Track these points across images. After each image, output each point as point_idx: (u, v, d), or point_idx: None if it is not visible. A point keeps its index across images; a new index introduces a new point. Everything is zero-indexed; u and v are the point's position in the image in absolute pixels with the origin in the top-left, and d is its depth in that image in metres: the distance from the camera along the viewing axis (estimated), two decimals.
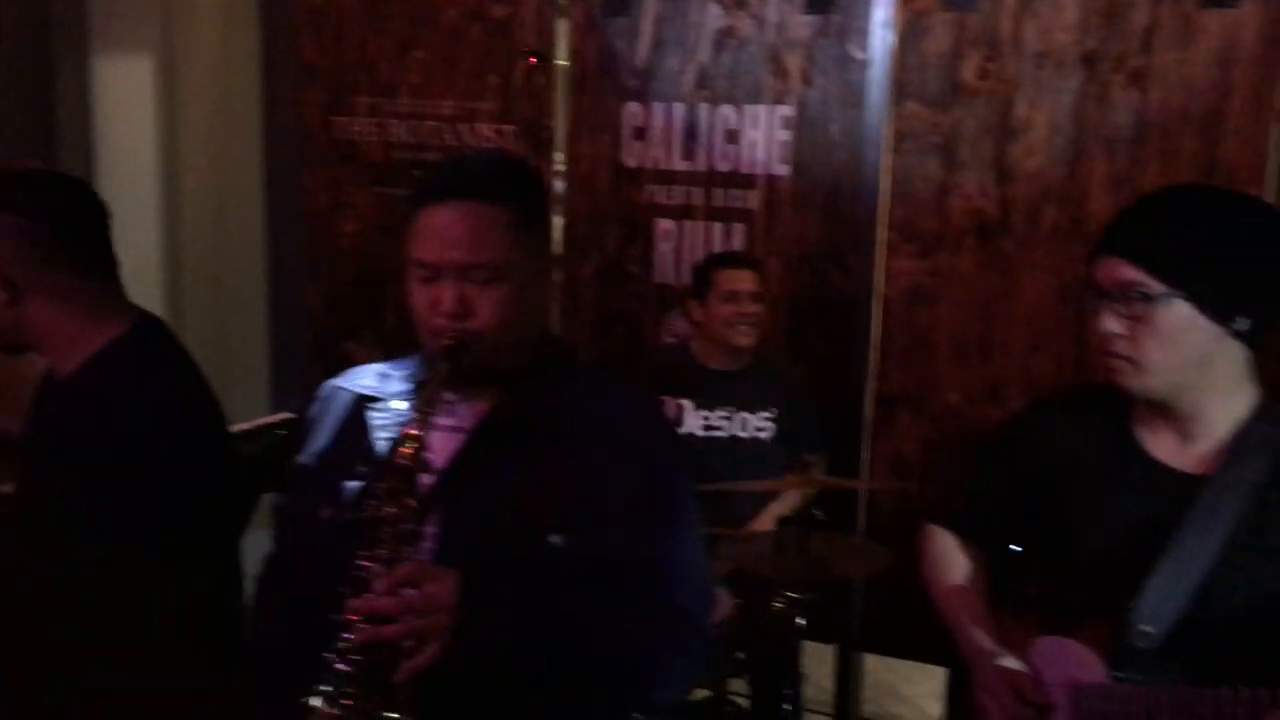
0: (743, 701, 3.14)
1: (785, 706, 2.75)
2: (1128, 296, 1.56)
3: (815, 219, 3.46)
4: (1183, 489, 1.61)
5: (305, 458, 1.62)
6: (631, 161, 3.63)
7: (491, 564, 1.41)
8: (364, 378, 1.65)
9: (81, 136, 3.81)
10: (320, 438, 1.62)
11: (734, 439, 3.20)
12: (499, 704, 1.44)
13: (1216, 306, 1.55)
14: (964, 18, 3.20)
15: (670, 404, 3.22)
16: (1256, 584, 1.55)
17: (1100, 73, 3.09)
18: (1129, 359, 1.58)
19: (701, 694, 3.26)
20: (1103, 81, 3.10)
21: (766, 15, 3.43)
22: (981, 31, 3.20)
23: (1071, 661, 1.64)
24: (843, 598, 3.45)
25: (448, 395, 1.54)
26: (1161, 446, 1.67)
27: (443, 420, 1.54)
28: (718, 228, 3.56)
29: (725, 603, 2.73)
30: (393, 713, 1.34)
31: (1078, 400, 1.80)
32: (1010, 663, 1.70)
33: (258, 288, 4.13)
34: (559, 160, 3.61)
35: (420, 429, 1.41)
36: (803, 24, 3.40)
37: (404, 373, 1.62)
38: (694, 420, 3.21)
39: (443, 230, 1.46)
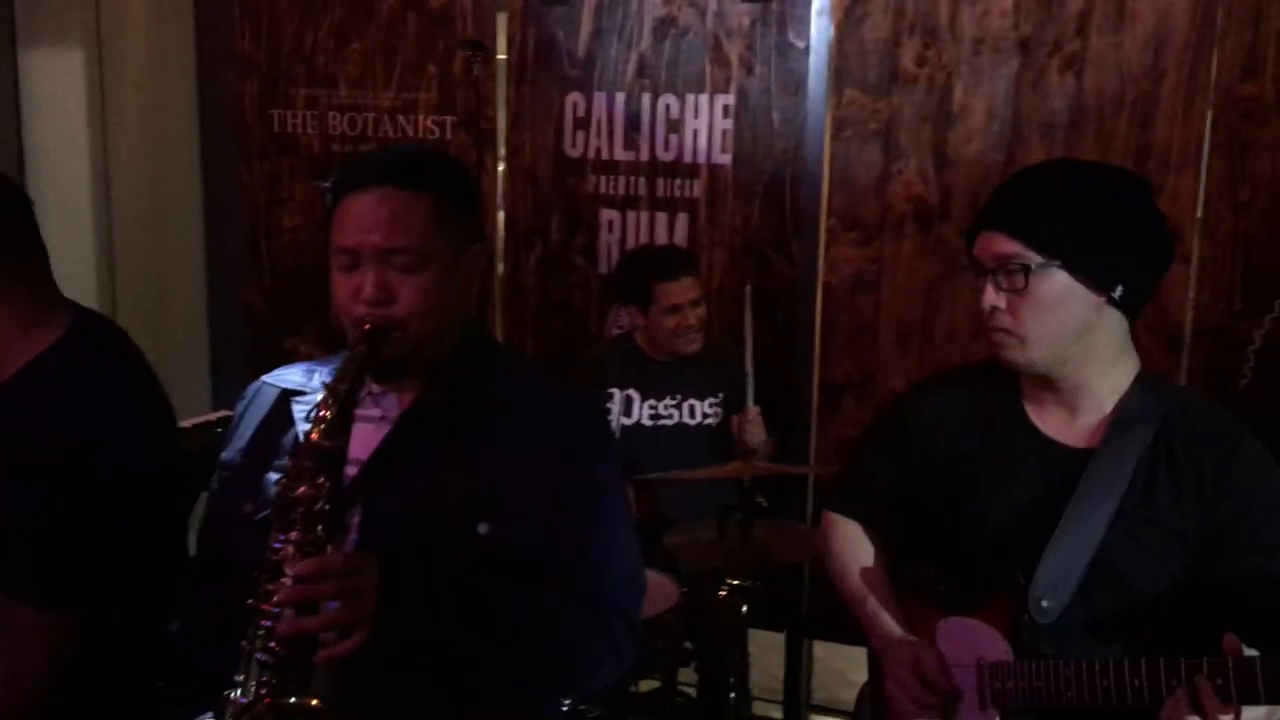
0: (691, 692, 3.14)
1: (732, 695, 2.75)
2: (1008, 270, 1.58)
3: (757, 207, 3.46)
4: (1072, 463, 1.64)
5: (229, 454, 1.61)
6: (574, 152, 3.61)
7: (417, 553, 1.40)
8: (291, 373, 1.64)
9: (10, 132, 3.72)
10: (244, 433, 1.60)
11: (682, 426, 3.19)
12: (421, 692, 1.42)
13: (1094, 275, 1.58)
14: (902, 4, 3.21)
15: (618, 395, 3.20)
16: (1148, 551, 1.59)
17: (1036, 58, 3.12)
18: (1012, 332, 1.60)
19: (650, 685, 3.26)
20: (1039, 67, 3.12)
21: (706, 4, 3.42)
22: (919, 18, 3.21)
23: (976, 641, 1.67)
24: (791, 585, 3.46)
25: (373, 387, 1.52)
26: (1049, 422, 1.69)
27: (368, 411, 1.53)
28: (661, 217, 3.55)
29: (671, 592, 2.73)
30: (312, 700, 1.32)
31: (964, 380, 1.83)
32: (917, 647, 1.72)
33: (196, 284, 4.06)
34: (501, 152, 3.61)
35: (331, 409, 1.38)
36: (742, 12, 3.39)
37: (331, 367, 1.59)
38: (642, 410, 3.20)
39: (363, 215, 1.45)
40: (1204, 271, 3.03)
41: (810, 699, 3.62)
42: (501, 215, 3.73)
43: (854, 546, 1.92)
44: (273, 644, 1.30)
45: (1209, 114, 2.99)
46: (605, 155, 3.58)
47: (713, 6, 3.41)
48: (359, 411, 1.51)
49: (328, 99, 3.85)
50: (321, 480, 1.36)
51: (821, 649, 3.67)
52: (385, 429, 1.51)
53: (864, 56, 3.27)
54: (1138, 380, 1.67)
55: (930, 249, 3.27)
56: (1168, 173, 3.02)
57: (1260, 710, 1.41)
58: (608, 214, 3.60)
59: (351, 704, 1.37)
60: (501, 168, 3.71)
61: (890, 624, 1.80)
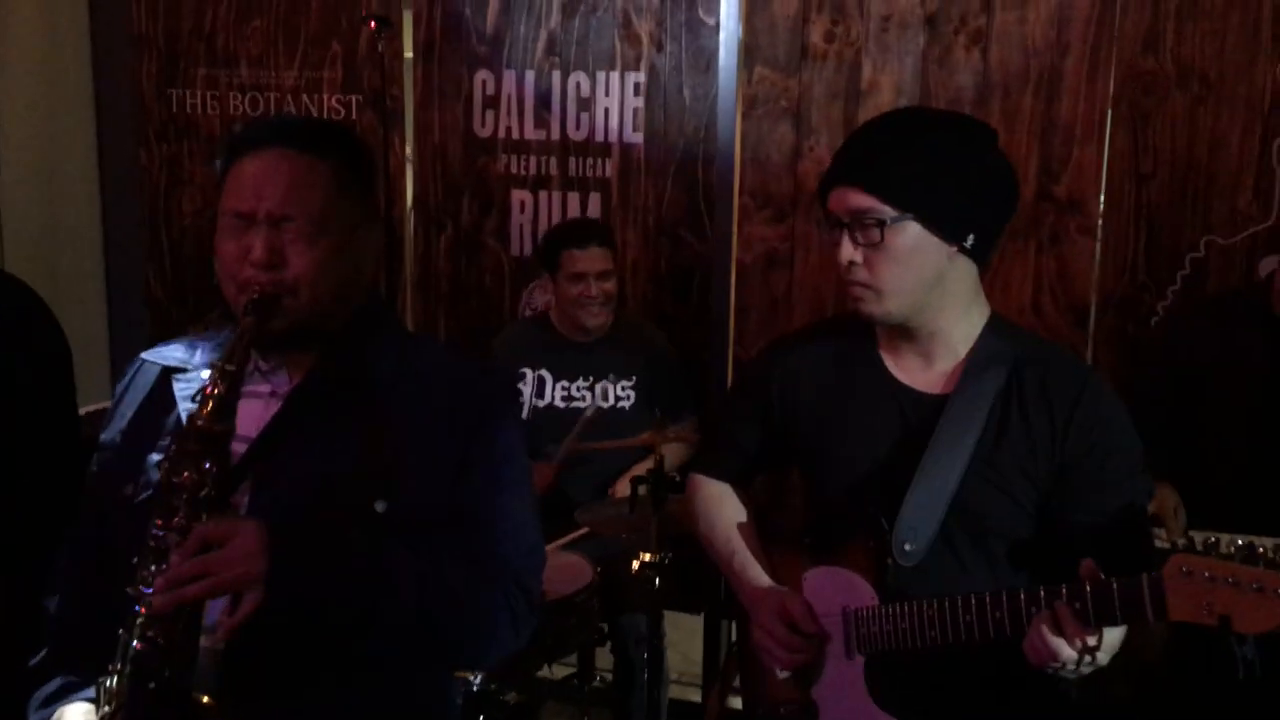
0: (607, 676, 3.11)
1: (646, 675, 2.72)
2: (862, 223, 1.58)
3: (669, 186, 3.44)
4: (928, 408, 1.66)
5: (109, 434, 1.53)
6: (484, 131, 3.55)
7: (310, 530, 1.34)
8: (172, 350, 1.56)
9: None
10: (124, 413, 1.53)
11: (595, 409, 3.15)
12: (312, 667, 1.37)
13: (946, 225, 1.59)
14: None
15: (530, 375, 3.15)
16: (1003, 491, 1.62)
17: (943, 35, 3.13)
18: (869, 285, 1.61)
19: (565, 670, 3.21)
20: (945, 44, 3.13)
21: None
22: None
23: (842, 589, 1.69)
24: (708, 565, 3.43)
25: (261, 363, 1.46)
26: (906, 370, 1.71)
27: (257, 387, 1.48)
28: (574, 197, 3.51)
29: (586, 571, 2.69)
30: (202, 697, 1.27)
31: (821, 333, 1.85)
32: (783, 595, 1.74)
33: (93, 270, 3.92)
34: (409, 132, 3.53)
35: (218, 388, 1.32)
36: None
37: (215, 342, 1.54)
38: (554, 391, 3.15)
39: (259, 177, 1.39)
40: (1108, 244, 3.07)
41: (731, 681, 3.60)
42: (410, 196, 3.66)
43: (720, 505, 1.92)
44: (151, 632, 1.24)
45: (1111, 88, 3.03)
46: (516, 135, 3.52)
47: None
48: (247, 388, 1.45)
49: (228, 78, 3.74)
50: (207, 465, 1.30)
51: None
52: (275, 405, 1.45)
53: (774, 33, 3.26)
54: (989, 326, 1.69)
55: None
56: (1072, 146, 3.06)
57: (1118, 632, 1.45)
58: (519, 194, 3.55)
59: (239, 694, 1.33)
60: (410, 148, 3.63)
61: (758, 576, 1.81)
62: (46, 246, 3.78)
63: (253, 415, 1.44)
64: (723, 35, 3.28)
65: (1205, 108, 2.96)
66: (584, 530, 2.72)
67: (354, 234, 1.45)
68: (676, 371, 3.26)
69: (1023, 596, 1.49)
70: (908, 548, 1.62)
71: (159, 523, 1.28)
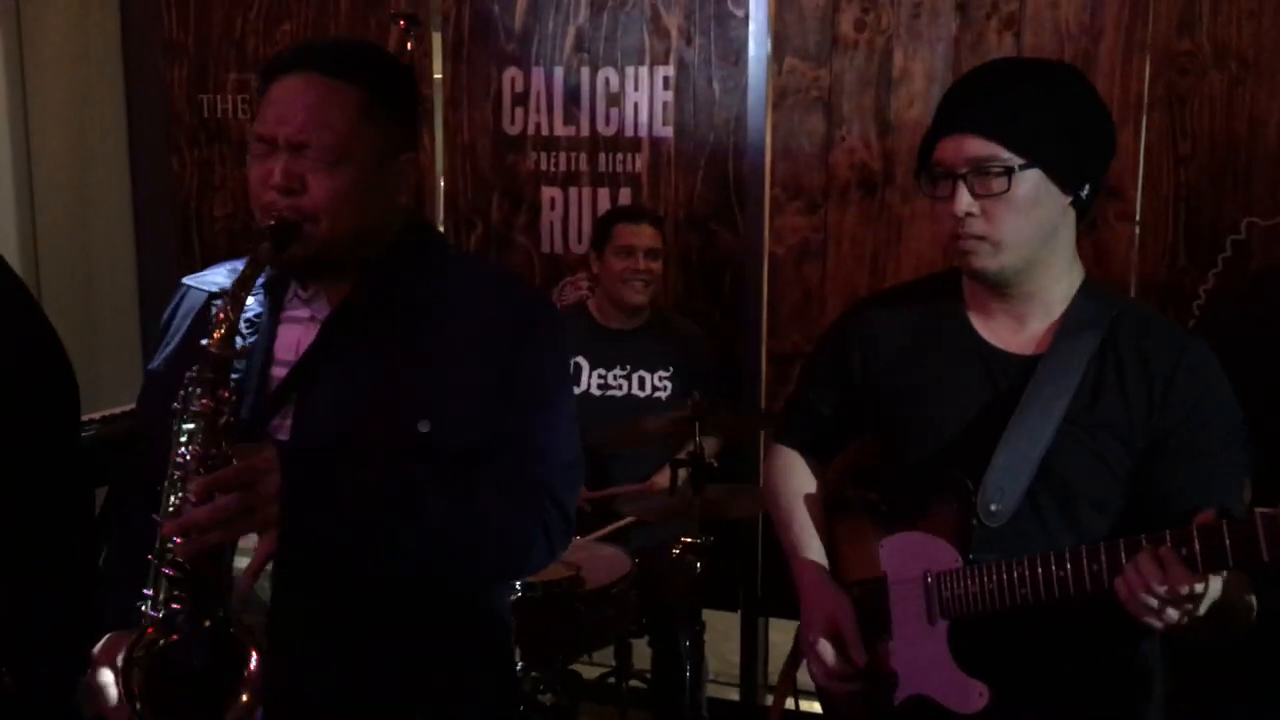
0: (644, 680, 3.08)
1: (687, 674, 2.69)
2: (984, 172, 1.53)
3: (700, 179, 3.42)
4: (1018, 370, 1.62)
5: (156, 363, 1.53)
6: (513, 129, 3.55)
7: (353, 455, 1.34)
8: (215, 274, 1.55)
9: None
10: (171, 340, 1.53)
11: (631, 398, 3.14)
12: (348, 585, 1.36)
13: (1066, 174, 1.55)
14: None
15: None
16: (1095, 454, 1.57)
17: (975, 20, 3.11)
18: (986, 238, 1.55)
19: (601, 668, 3.19)
20: (978, 29, 3.11)
21: None
22: None
23: (922, 554, 1.64)
24: (746, 561, 3.40)
25: (300, 291, 1.45)
26: (996, 331, 1.66)
27: (296, 312, 1.47)
28: (604, 193, 3.50)
29: (623, 563, 2.66)
30: (223, 610, 1.25)
31: (906, 295, 1.80)
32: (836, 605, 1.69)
33: (126, 275, 3.94)
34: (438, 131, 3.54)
35: (230, 313, 1.30)
36: None
37: None
38: (590, 379, 3.15)
39: (282, 102, 1.37)
40: (1147, 228, 3.03)
41: (768, 680, 3.56)
42: (441, 195, 3.66)
43: (788, 473, 1.88)
44: (178, 559, 1.23)
45: (1147, 70, 3.00)
46: (545, 131, 3.52)
47: None
48: (287, 314, 1.45)
49: (259, 82, 3.75)
50: (224, 393, 1.29)
51: (778, 632, 3.61)
52: (314, 330, 1.44)
53: (803, 23, 3.25)
54: (1084, 287, 1.65)
55: (875, 215, 3.25)
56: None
57: (1218, 583, 1.37)
58: (549, 191, 3.54)
59: (279, 617, 1.33)
60: (440, 147, 3.64)
61: (813, 549, 1.78)
62: (80, 251, 3.80)
63: (292, 340, 1.43)
64: (752, 26, 3.27)
65: (1243, 88, 2.92)
66: (628, 520, 2.68)
67: (382, 166, 1.42)
68: (713, 362, 3.24)
69: (1123, 545, 1.42)
70: (993, 508, 1.57)
71: (179, 450, 1.27)
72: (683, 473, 2.33)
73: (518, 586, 2.33)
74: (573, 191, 3.53)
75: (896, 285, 1.88)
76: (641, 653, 3.05)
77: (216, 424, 1.27)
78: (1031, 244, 1.56)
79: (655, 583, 2.72)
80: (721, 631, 3.55)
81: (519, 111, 3.54)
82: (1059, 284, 1.63)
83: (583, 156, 3.50)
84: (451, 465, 1.38)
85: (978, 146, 1.53)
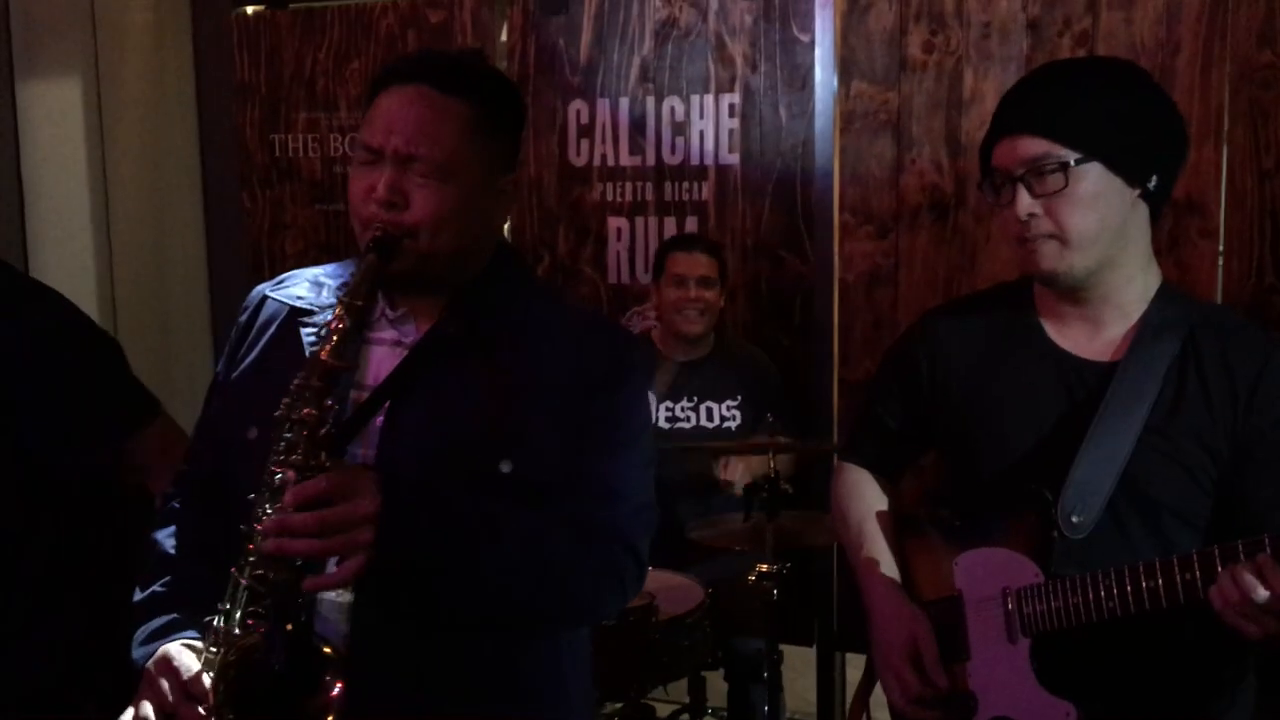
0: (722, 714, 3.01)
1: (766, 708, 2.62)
2: (1040, 171, 1.50)
3: (768, 206, 3.39)
4: (1095, 377, 1.56)
5: (227, 373, 1.51)
6: (579, 160, 3.56)
7: (430, 492, 1.31)
8: (296, 286, 1.52)
9: (8, 162, 3.69)
10: (249, 352, 1.49)
11: (699, 429, 3.10)
12: (427, 613, 1.34)
13: (1130, 166, 1.50)
14: None
15: None
16: (1178, 464, 1.51)
17: (1047, 38, 3.06)
18: (1054, 236, 1.51)
19: (675, 703, 3.13)
20: (1050, 48, 3.06)
21: (708, 3, 3.38)
22: (925, 5, 3.16)
23: (1000, 570, 1.58)
24: (822, 595, 3.33)
25: (389, 311, 1.43)
26: (1071, 338, 1.61)
27: (382, 334, 1.44)
28: (670, 222, 3.48)
29: (696, 593, 2.61)
30: (324, 648, 1.23)
31: (976, 304, 1.75)
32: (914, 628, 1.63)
33: (199, 312, 4.00)
34: None
35: (344, 323, 1.29)
36: (744, 9, 3.35)
37: (339, 280, 1.50)
38: (658, 411, 3.12)
39: (391, 113, 1.36)
40: (1232, 245, 2.94)
41: (845, 717, 3.47)
42: (508, 228, 3.67)
43: (857, 491, 1.82)
44: (260, 571, 1.22)
45: (1227, 84, 2.92)
46: (610, 162, 3.52)
47: (714, 5, 3.38)
48: (373, 334, 1.43)
49: (329, 121, 3.81)
50: (329, 403, 1.27)
51: (855, 668, 3.52)
52: (400, 355, 1.41)
53: (870, 47, 3.22)
54: (1161, 291, 1.59)
55: (948, 238, 3.19)
56: (1189, 147, 2.94)
57: None
58: (615, 221, 3.53)
59: (364, 644, 1.31)
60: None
61: (886, 567, 1.71)
62: (154, 288, 3.87)
63: (376, 363, 1.41)
64: (818, 52, 3.24)
65: None
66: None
67: (485, 185, 1.40)
68: (782, 391, 3.19)
69: (1217, 552, 1.36)
70: (1074, 519, 1.51)
71: (279, 459, 1.25)
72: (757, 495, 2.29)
73: None
74: (639, 221, 3.52)
75: (966, 295, 1.83)
76: (716, 688, 2.99)
77: (318, 434, 1.25)
78: (1101, 240, 1.51)
79: (730, 612, 2.67)
80: (798, 669, 3.47)
81: (584, 143, 3.54)
82: (1133, 284, 1.57)
83: (648, 186, 3.50)
84: (528, 506, 1.35)
85: (1031, 145, 1.50)
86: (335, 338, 1.28)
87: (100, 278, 3.75)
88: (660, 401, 3.12)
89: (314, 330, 1.43)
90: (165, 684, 1.28)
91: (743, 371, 3.17)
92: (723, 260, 3.19)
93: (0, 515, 1.68)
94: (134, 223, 3.83)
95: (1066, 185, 1.48)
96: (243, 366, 1.49)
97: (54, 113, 3.70)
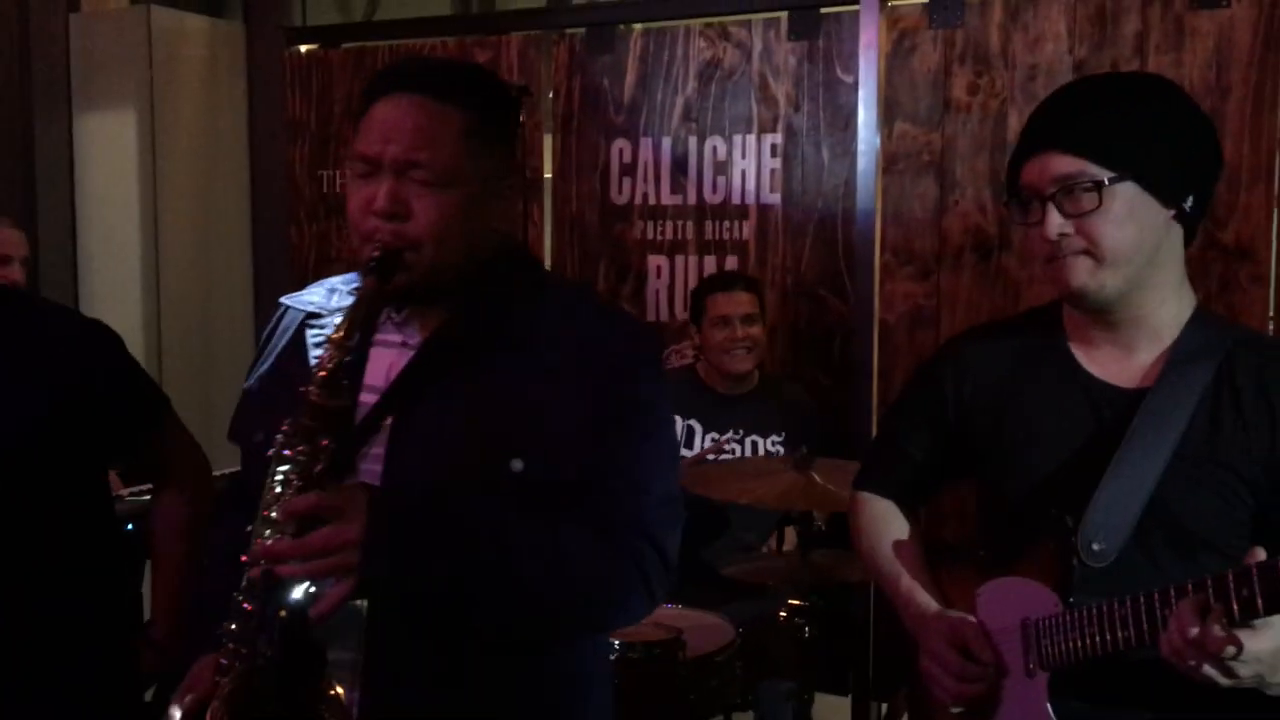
0: None
1: None
2: (1071, 189, 1.45)
3: (808, 246, 3.38)
4: (1125, 403, 1.51)
5: (251, 380, 1.52)
6: (620, 198, 3.57)
7: (445, 488, 1.29)
8: (313, 294, 1.51)
9: (63, 195, 3.77)
10: (266, 358, 1.51)
11: (744, 462, 3.08)
12: (439, 628, 1.31)
13: (1165, 185, 1.46)
14: (951, 34, 3.16)
15: (679, 424, 3.11)
16: (1212, 493, 1.45)
17: None
18: (1087, 252, 1.46)
19: None
20: None
21: (752, 44, 3.40)
22: (970, 47, 3.15)
23: (1020, 600, 1.52)
24: (857, 640, 3.26)
25: (394, 314, 1.42)
26: (1100, 363, 1.56)
27: (388, 336, 1.43)
28: (710, 260, 3.48)
29: (727, 631, 2.57)
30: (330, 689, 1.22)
31: (1003, 329, 1.71)
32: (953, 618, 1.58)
33: (245, 346, 4.04)
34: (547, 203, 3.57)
35: (335, 363, 1.27)
36: (788, 50, 3.36)
37: (351, 286, 1.48)
38: (704, 442, 3.12)
39: (387, 122, 1.34)
40: None
41: None
42: (549, 265, 3.69)
43: (885, 524, 1.76)
44: (256, 593, 1.22)
45: (1279, 128, 2.87)
46: (652, 200, 3.53)
47: (758, 46, 3.39)
48: (380, 336, 1.42)
49: None
50: (324, 442, 1.25)
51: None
52: (406, 356, 1.40)
53: (914, 89, 3.21)
54: (1195, 315, 1.54)
55: (991, 279, 3.15)
56: (1239, 191, 2.89)
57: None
58: (655, 259, 3.53)
59: (379, 657, 1.30)
60: (548, 217, 3.67)
61: (925, 600, 1.65)
62: (202, 319, 3.93)
63: (383, 366, 1.39)
64: (861, 93, 3.24)
65: None
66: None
67: (485, 191, 1.38)
68: (822, 429, 3.16)
69: (1256, 571, 1.26)
70: (1095, 547, 1.45)
71: (273, 491, 1.25)
72: (791, 534, 2.25)
73: (616, 644, 2.25)
74: (679, 259, 3.51)
75: (992, 320, 1.78)
76: None
77: (311, 471, 1.24)
78: (1134, 261, 1.47)
79: (761, 654, 2.62)
80: (831, 717, 3.39)
81: (626, 181, 3.56)
82: (1165, 307, 1.52)
83: (689, 225, 3.50)
84: (544, 508, 1.32)
85: (1063, 164, 1.46)
86: (325, 375, 1.26)
87: (147, 307, 3.82)
88: (706, 432, 3.12)
89: (319, 334, 1.43)
90: (189, 698, 1.30)
91: (787, 409, 3.15)
92: (761, 294, 3.18)
93: (27, 553, 1.70)
94: (184, 255, 3.90)
95: (1100, 205, 1.44)
96: (259, 372, 1.51)
97: (109, 146, 3.79)
